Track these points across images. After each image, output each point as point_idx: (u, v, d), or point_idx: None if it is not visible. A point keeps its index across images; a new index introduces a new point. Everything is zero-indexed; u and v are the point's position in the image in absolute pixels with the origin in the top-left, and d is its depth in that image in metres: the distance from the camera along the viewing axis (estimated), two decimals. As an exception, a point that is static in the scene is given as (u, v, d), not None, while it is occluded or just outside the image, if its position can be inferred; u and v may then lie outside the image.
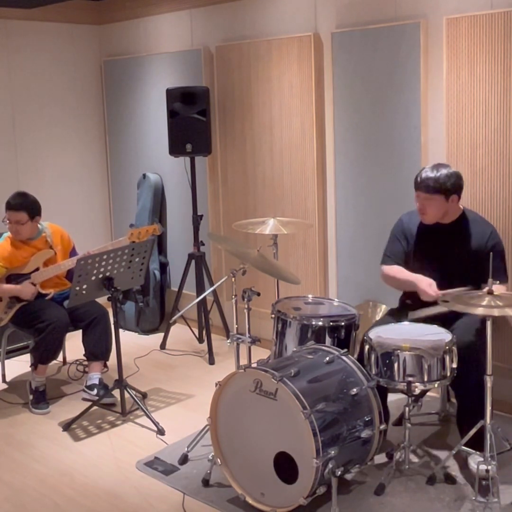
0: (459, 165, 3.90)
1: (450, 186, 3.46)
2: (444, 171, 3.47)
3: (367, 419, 3.12)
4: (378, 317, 4.21)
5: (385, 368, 3.21)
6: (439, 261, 3.55)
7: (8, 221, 4.29)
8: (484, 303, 2.91)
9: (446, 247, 3.56)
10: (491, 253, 3.09)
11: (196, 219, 5.08)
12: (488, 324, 2.96)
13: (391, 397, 3.69)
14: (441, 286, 3.42)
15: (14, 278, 4.30)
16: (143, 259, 4.16)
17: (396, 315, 3.64)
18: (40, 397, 4.30)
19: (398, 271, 3.65)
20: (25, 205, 4.27)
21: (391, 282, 3.71)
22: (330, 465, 2.92)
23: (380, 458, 3.41)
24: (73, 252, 4.55)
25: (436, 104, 4.04)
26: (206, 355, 5.01)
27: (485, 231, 3.55)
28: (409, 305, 3.65)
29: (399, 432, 3.48)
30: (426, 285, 3.43)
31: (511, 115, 3.72)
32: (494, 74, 3.74)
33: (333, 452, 2.93)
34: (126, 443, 3.85)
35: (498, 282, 3.13)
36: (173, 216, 5.76)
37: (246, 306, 3.55)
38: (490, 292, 2.96)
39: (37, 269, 4.33)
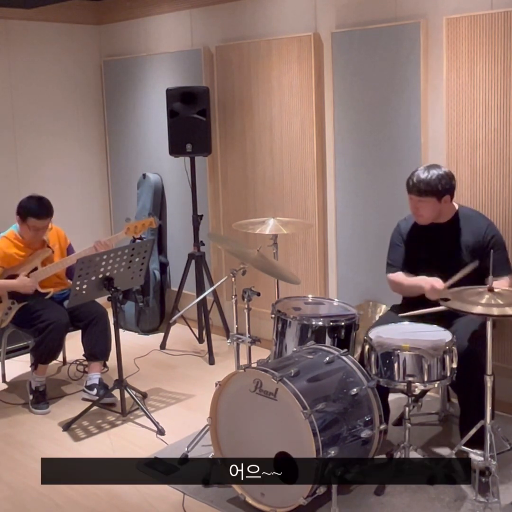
0: (459, 165, 3.91)
1: (441, 188, 3.46)
2: (435, 173, 3.46)
3: (367, 419, 3.13)
4: (378, 317, 4.21)
5: (385, 368, 3.21)
6: (439, 261, 3.55)
7: (29, 229, 4.25)
8: (484, 301, 2.90)
9: (445, 246, 3.56)
10: (491, 248, 3.08)
11: (196, 219, 5.08)
12: (488, 324, 2.96)
13: (391, 397, 3.69)
14: (444, 280, 3.41)
15: (12, 278, 4.28)
16: (143, 259, 4.16)
17: (399, 311, 3.64)
18: (40, 397, 4.30)
19: (403, 278, 3.65)
20: (50, 212, 4.28)
21: (398, 288, 3.71)
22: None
23: (380, 458, 3.41)
24: (70, 250, 4.55)
25: (436, 104, 4.04)
26: (206, 355, 5.01)
27: (481, 225, 3.56)
28: (410, 303, 3.66)
29: (399, 432, 3.48)
30: (432, 282, 3.42)
31: (511, 115, 3.72)
32: (494, 74, 3.74)
33: (333, 452, 2.92)
34: (126, 443, 3.85)
35: (499, 278, 3.12)
36: (173, 216, 5.76)
37: (246, 306, 3.55)
38: (491, 290, 2.95)
39: (35, 269, 4.32)
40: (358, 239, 4.54)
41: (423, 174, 3.47)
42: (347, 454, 3.05)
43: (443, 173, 3.49)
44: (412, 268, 3.64)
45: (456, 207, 3.63)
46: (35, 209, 4.23)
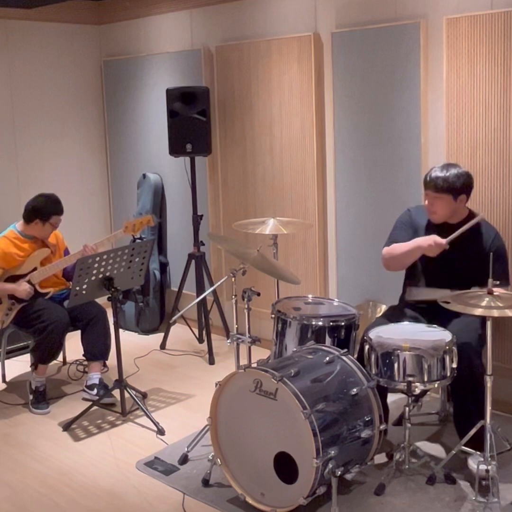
0: (459, 165, 3.91)
1: (459, 186, 3.46)
2: (454, 171, 3.47)
3: (367, 419, 3.13)
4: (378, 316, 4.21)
5: (385, 368, 3.21)
6: (444, 261, 3.53)
7: (52, 226, 4.36)
8: (484, 303, 2.90)
9: (453, 247, 3.55)
10: (492, 254, 3.08)
11: (196, 219, 5.08)
12: (488, 324, 2.96)
13: (391, 397, 3.69)
14: (445, 287, 3.39)
15: (12, 279, 4.28)
16: (143, 259, 4.16)
17: (396, 313, 3.64)
18: (40, 397, 4.30)
19: (397, 246, 3.56)
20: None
21: (393, 262, 3.60)
22: (330, 465, 2.93)
23: (380, 458, 3.42)
24: (66, 253, 4.55)
25: (436, 104, 4.04)
26: (206, 355, 5.01)
27: (489, 233, 3.55)
28: (408, 305, 3.65)
29: (399, 432, 3.48)
30: (431, 240, 3.39)
31: (511, 115, 3.73)
32: (494, 74, 3.74)
33: (333, 452, 2.93)
34: (126, 443, 3.85)
35: (498, 283, 3.12)
36: (173, 216, 5.76)
37: (246, 306, 3.55)
38: (490, 292, 2.95)
39: (34, 269, 4.32)
40: (358, 239, 4.53)
41: (441, 171, 3.47)
42: (347, 454, 3.05)
43: (463, 171, 3.49)
44: (414, 264, 3.62)
45: (468, 210, 3.61)
46: (56, 207, 4.35)
